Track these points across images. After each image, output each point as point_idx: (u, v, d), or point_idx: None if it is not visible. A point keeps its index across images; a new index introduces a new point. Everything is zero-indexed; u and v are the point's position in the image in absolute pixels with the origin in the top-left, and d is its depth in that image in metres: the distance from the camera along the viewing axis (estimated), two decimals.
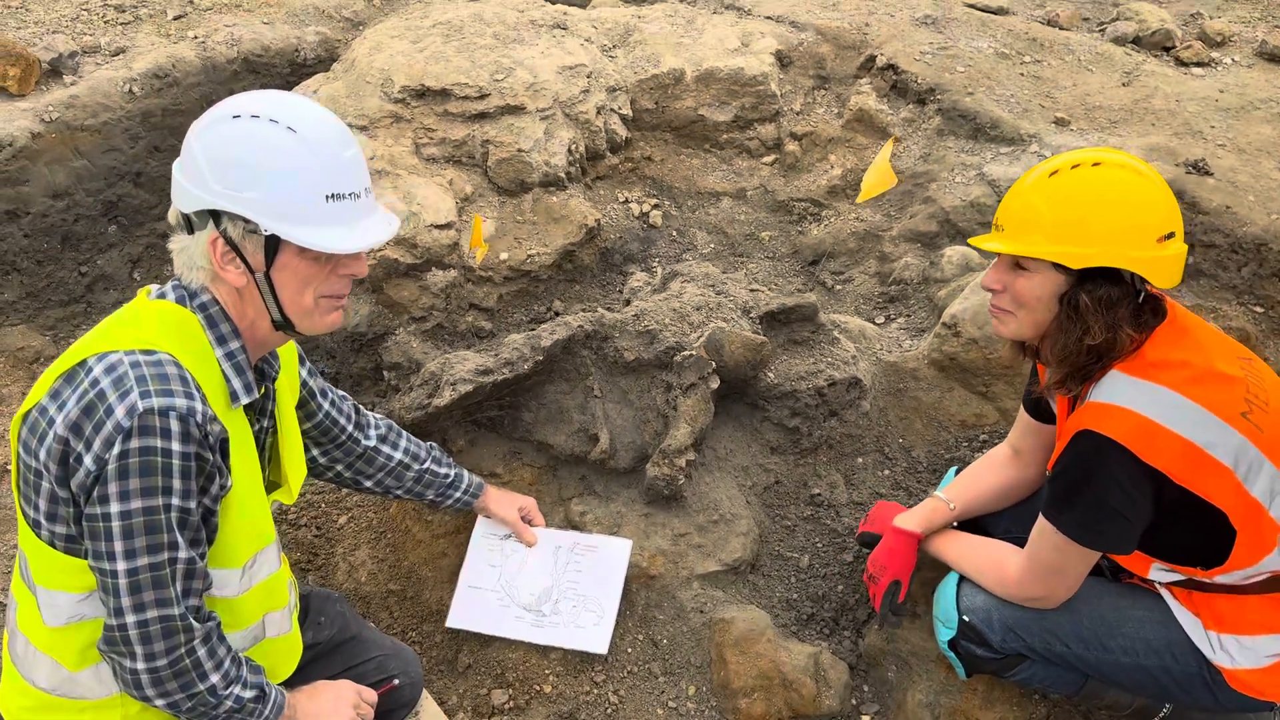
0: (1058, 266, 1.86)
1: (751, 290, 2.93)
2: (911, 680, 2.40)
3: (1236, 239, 3.05)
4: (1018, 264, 1.93)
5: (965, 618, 2.15)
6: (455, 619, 2.48)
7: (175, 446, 1.52)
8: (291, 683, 1.92)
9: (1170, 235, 1.85)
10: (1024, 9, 4.46)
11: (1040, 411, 2.24)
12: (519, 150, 3.26)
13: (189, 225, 1.64)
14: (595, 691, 2.41)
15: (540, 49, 3.61)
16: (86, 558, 1.57)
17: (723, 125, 3.73)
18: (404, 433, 2.31)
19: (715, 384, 2.63)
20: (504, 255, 3.15)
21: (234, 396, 1.67)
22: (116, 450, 1.48)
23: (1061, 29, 4.21)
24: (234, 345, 1.68)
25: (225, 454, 1.64)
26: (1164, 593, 2.04)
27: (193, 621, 1.60)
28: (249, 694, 1.70)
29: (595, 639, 2.42)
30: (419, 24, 3.76)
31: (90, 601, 1.62)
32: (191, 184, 1.61)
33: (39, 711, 1.70)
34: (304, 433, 2.10)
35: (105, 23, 3.95)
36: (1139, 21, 4.15)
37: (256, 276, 1.64)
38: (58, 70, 3.60)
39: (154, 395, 1.51)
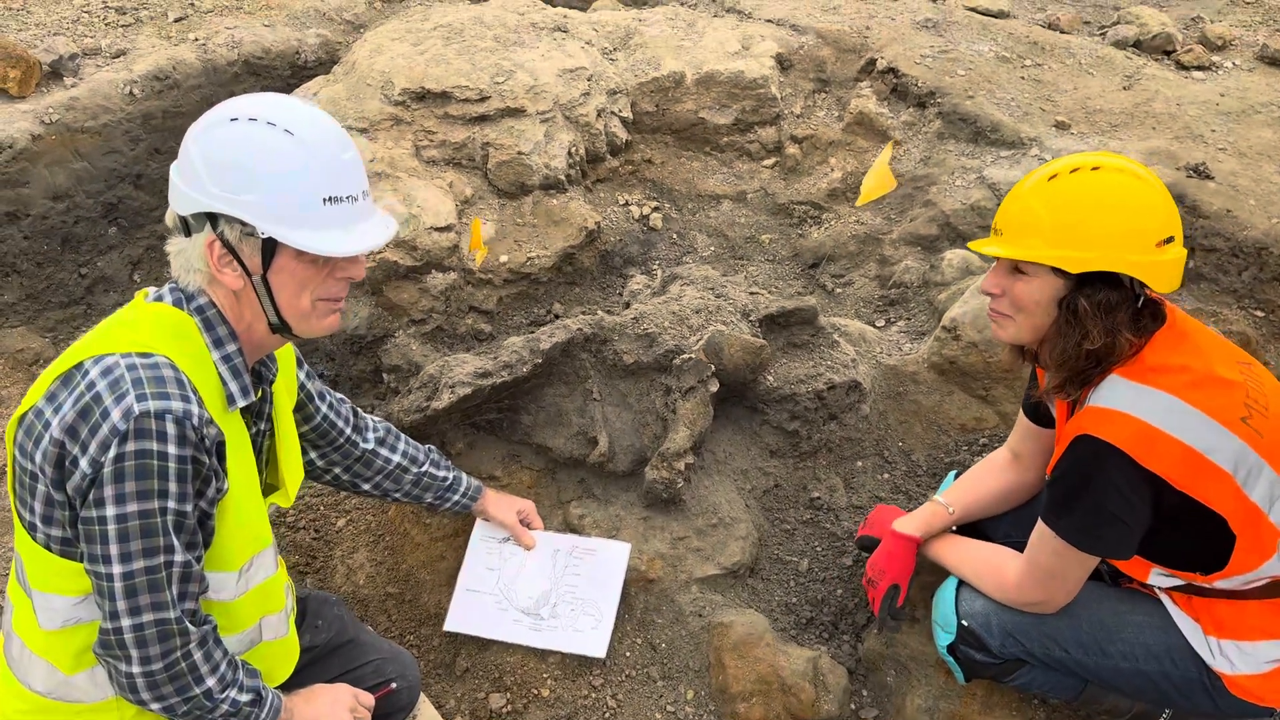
0: (1057, 271, 1.86)
1: (751, 293, 2.93)
2: (910, 685, 2.40)
3: (1237, 243, 3.04)
4: (1016, 268, 1.92)
5: (964, 622, 2.14)
6: (453, 622, 2.47)
7: (171, 450, 1.51)
8: (288, 686, 1.91)
9: (1169, 240, 1.85)
10: (1025, 12, 4.46)
11: (1040, 416, 2.23)
12: (519, 153, 3.26)
13: (186, 228, 1.64)
14: (593, 695, 2.41)
15: (541, 52, 3.61)
16: (82, 561, 1.56)
17: (723, 128, 3.73)
18: (402, 435, 2.31)
19: (714, 387, 2.63)
20: (504, 258, 3.15)
21: (231, 399, 1.67)
22: (112, 453, 1.48)
23: (1062, 32, 4.21)
24: (231, 348, 1.67)
25: (222, 457, 1.63)
26: (1164, 598, 2.03)
27: (188, 625, 1.59)
28: (245, 697, 1.70)
29: (593, 642, 2.41)
30: (420, 27, 3.76)
31: (86, 605, 1.62)
32: (189, 187, 1.61)
33: (34, 715, 1.69)
34: (302, 435, 2.09)
35: (106, 25, 3.96)
36: (1140, 25, 4.15)
37: (253, 279, 1.64)
38: (58, 72, 3.60)
39: (150, 398, 1.50)
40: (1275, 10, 4.50)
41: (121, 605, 1.54)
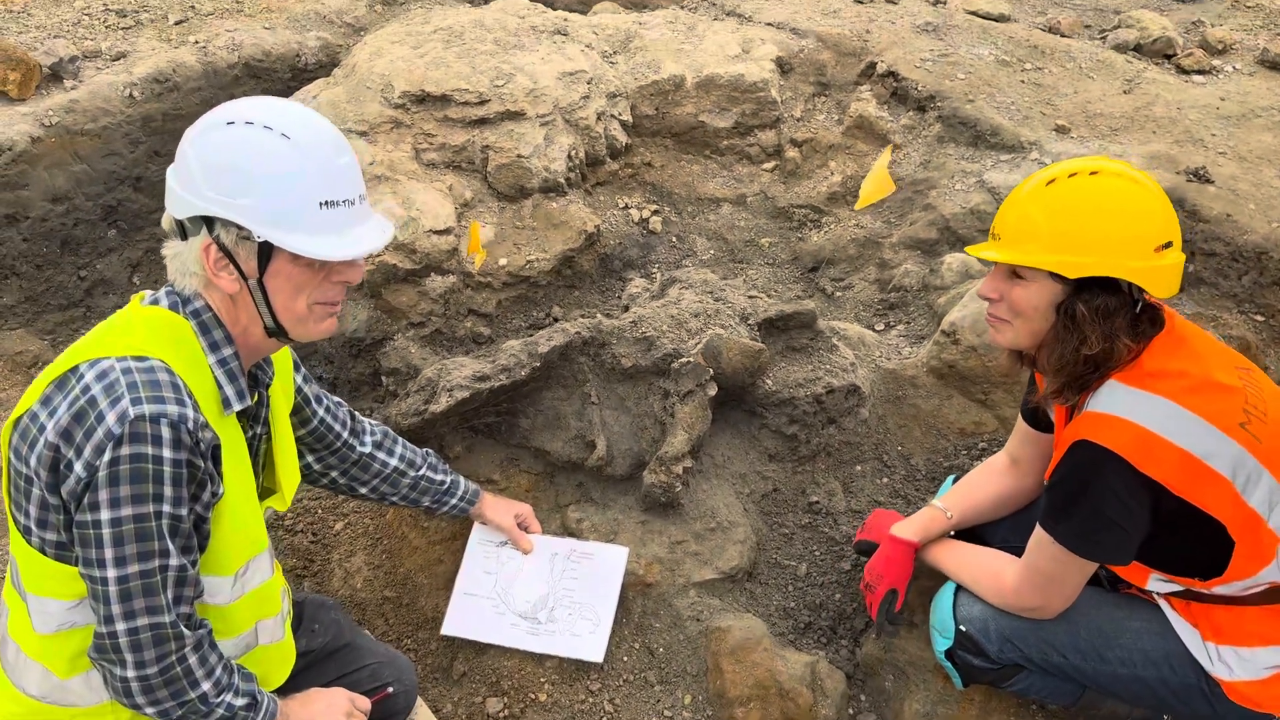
0: (1055, 276, 1.85)
1: (750, 297, 2.93)
2: (909, 690, 2.39)
3: (1237, 247, 3.04)
4: (1015, 273, 1.92)
5: (962, 628, 2.14)
6: (450, 626, 2.47)
7: (166, 453, 1.51)
8: (285, 690, 1.91)
9: (1168, 245, 1.84)
10: (1025, 16, 4.46)
11: (1038, 420, 2.23)
12: (519, 156, 3.26)
13: (183, 231, 1.64)
14: (591, 700, 2.40)
15: (541, 55, 3.61)
16: (77, 564, 1.56)
17: (723, 131, 3.73)
18: (400, 439, 2.31)
19: (713, 391, 2.62)
20: (503, 261, 3.15)
21: (226, 403, 1.67)
22: (107, 457, 1.48)
23: (1063, 36, 4.20)
24: (227, 352, 1.67)
25: (217, 461, 1.63)
26: (1162, 603, 2.03)
27: (183, 629, 1.59)
28: (240, 701, 1.70)
29: (591, 647, 2.41)
30: (420, 30, 3.76)
31: (81, 609, 1.62)
32: (185, 190, 1.61)
33: (29, 719, 1.69)
34: (299, 439, 2.09)
35: (106, 27, 3.96)
36: (1140, 29, 4.14)
37: (249, 283, 1.64)
38: (58, 75, 3.60)
39: (145, 402, 1.50)
40: (1276, 14, 4.50)
41: (116, 609, 1.53)
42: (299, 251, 1.60)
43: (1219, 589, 1.93)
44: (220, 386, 1.66)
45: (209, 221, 1.60)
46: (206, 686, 1.64)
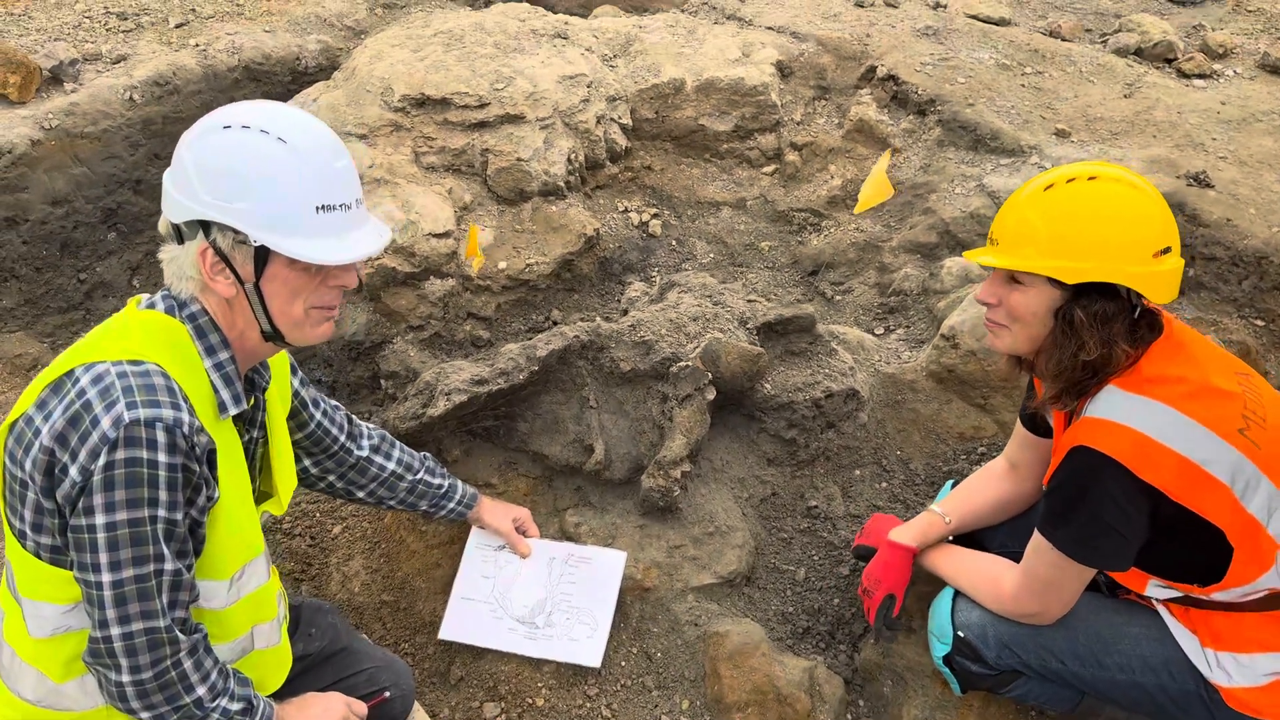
0: (1053, 281, 1.85)
1: (749, 301, 2.92)
2: (907, 696, 2.38)
3: (1237, 252, 3.03)
4: (1013, 278, 1.92)
5: (960, 633, 2.13)
6: (448, 631, 2.47)
7: (161, 458, 1.51)
8: (281, 695, 1.90)
9: (1167, 250, 1.84)
10: (1026, 20, 4.46)
11: (1037, 425, 2.22)
12: (518, 159, 3.26)
13: (179, 235, 1.64)
14: (588, 705, 2.40)
15: (541, 58, 3.61)
16: (72, 569, 1.56)
17: (723, 135, 3.73)
18: (397, 443, 2.31)
19: (711, 395, 2.62)
20: (502, 264, 3.14)
21: (222, 407, 1.66)
22: (102, 461, 1.48)
23: (1063, 40, 4.20)
24: (223, 356, 1.67)
25: (213, 465, 1.63)
26: (1161, 609, 2.02)
27: (178, 634, 1.59)
28: (236, 706, 1.69)
29: (588, 652, 2.40)
30: (420, 33, 3.76)
31: (76, 613, 1.61)
32: (181, 194, 1.61)
33: None
34: (296, 443, 2.09)
35: (107, 30, 3.96)
36: (1141, 33, 4.14)
37: (246, 287, 1.64)
38: (58, 77, 3.61)
39: (140, 406, 1.50)
40: (1277, 18, 4.49)
41: (111, 614, 1.53)
42: (296, 256, 1.59)
43: (1218, 595, 1.93)
44: (216, 390, 1.66)
45: (205, 226, 1.60)
46: (201, 691, 1.63)
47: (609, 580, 2.48)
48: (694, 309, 2.80)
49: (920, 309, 3.21)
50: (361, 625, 2.63)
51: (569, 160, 3.35)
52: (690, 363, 2.61)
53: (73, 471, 1.49)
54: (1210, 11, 4.61)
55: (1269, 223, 3.06)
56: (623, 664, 2.45)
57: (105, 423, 1.48)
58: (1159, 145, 3.41)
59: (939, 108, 3.58)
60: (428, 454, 2.38)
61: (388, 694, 2.12)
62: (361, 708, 1.97)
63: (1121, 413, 1.84)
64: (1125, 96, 3.72)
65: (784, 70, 3.87)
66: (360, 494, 2.26)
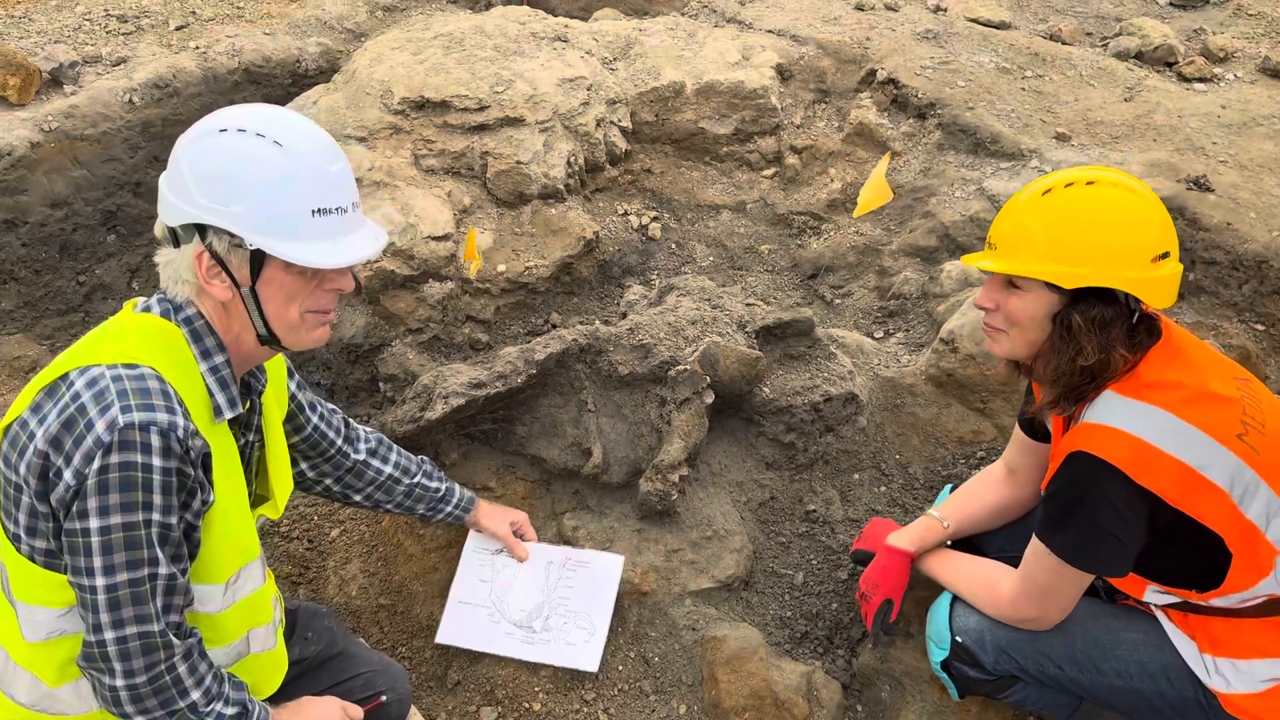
0: (1051, 286, 1.85)
1: (748, 304, 2.92)
2: (905, 701, 2.38)
3: (1237, 256, 3.02)
4: (1011, 283, 1.91)
5: (958, 638, 2.13)
6: (445, 635, 2.46)
7: (156, 462, 1.51)
8: (277, 699, 1.90)
9: (1165, 255, 1.83)
10: (1026, 24, 4.45)
11: (1035, 430, 2.22)
12: (518, 162, 3.25)
13: (175, 239, 1.64)
14: (585, 710, 2.39)
15: (540, 61, 3.61)
16: (66, 573, 1.55)
17: (723, 138, 3.73)
18: (394, 446, 2.30)
19: (710, 399, 2.61)
20: (501, 267, 3.14)
21: (218, 411, 1.66)
22: (96, 465, 1.47)
23: (1064, 44, 4.19)
24: (218, 359, 1.67)
25: (208, 469, 1.63)
26: (1159, 615, 2.02)
27: (173, 638, 1.58)
28: (231, 711, 1.69)
29: (586, 656, 2.39)
30: (420, 36, 3.76)
31: (70, 617, 1.61)
32: (177, 198, 1.61)
33: None
34: (292, 446, 2.08)
35: (107, 33, 3.97)
36: (1142, 37, 4.13)
37: (242, 291, 1.64)
38: (58, 80, 3.61)
39: (135, 410, 1.50)
40: (1278, 22, 4.49)
41: (105, 618, 1.53)
42: (291, 259, 1.59)
43: (1216, 601, 1.92)
44: (212, 394, 1.66)
45: (201, 229, 1.60)
46: (196, 695, 1.63)
47: (606, 584, 2.48)
48: (692, 312, 2.79)
49: (920, 313, 3.20)
50: (359, 629, 2.62)
51: (568, 163, 3.35)
52: (689, 366, 2.61)
53: (67, 475, 1.49)
54: (1211, 15, 4.61)
55: (1269, 227, 3.06)
56: (620, 668, 2.45)
57: (100, 426, 1.48)
58: (1159, 149, 3.41)
59: (939, 111, 3.57)
60: (425, 457, 2.38)
61: (384, 698, 2.12)
62: (358, 712, 1.97)
63: (1120, 418, 1.83)
64: (1126, 100, 3.72)
65: (784, 73, 3.87)
66: (357, 497, 2.26)
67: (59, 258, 3.51)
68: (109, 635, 1.53)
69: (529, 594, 2.47)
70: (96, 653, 1.55)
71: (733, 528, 2.64)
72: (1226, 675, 1.93)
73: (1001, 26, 4.24)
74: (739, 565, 2.58)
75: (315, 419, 2.10)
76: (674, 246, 3.57)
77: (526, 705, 2.39)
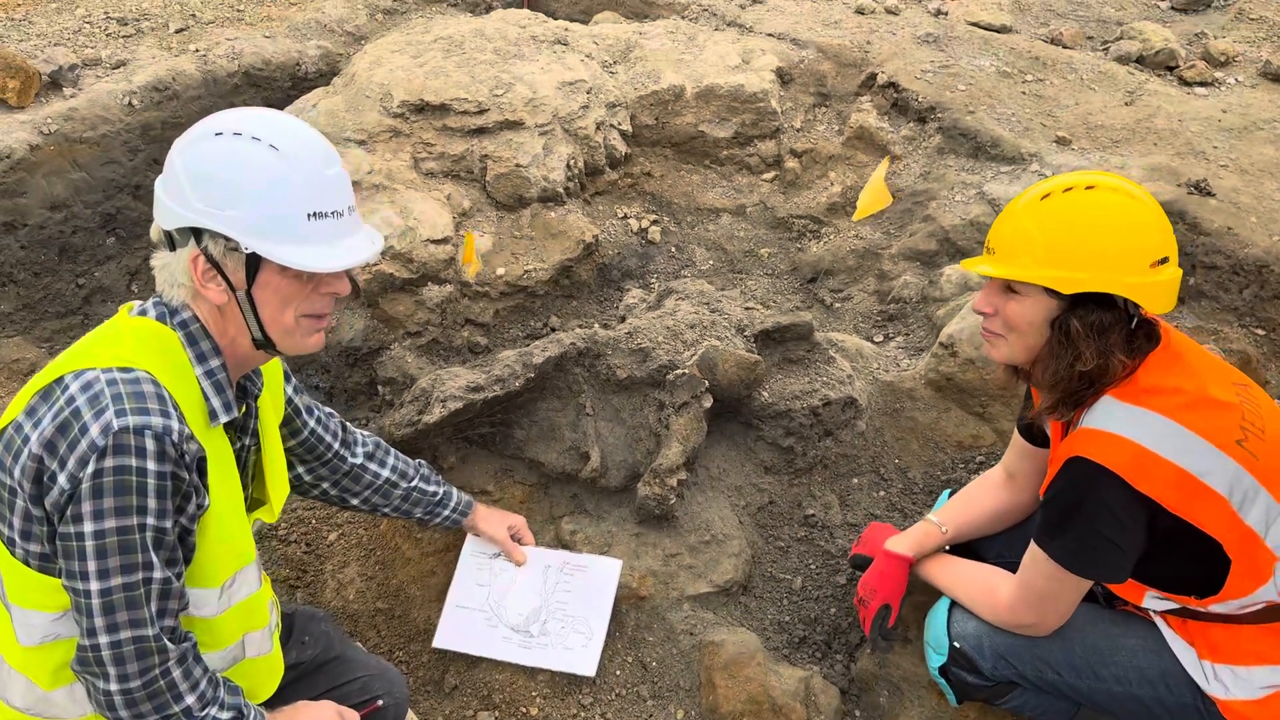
0: (1049, 291, 1.84)
1: (746, 308, 2.92)
2: (903, 706, 2.37)
3: (1238, 260, 3.02)
4: (1009, 287, 1.91)
5: (956, 644, 2.12)
6: (442, 639, 2.45)
7: (150, 465, 1.50)
8: (274, 703, 1.90)
9: (1164, 260, 1.83)
10: (1027, 28, 4.45)
11: (1034, 435, 2.21)
12: (517, 165, 3.25)
13: (171, 242, 1.64)
14: (583, 715, 2.38)
15: (540, 64, 3.61)
16: (60, 577, 1.55)
17: (723, 142, 3.72)
18: (392, 450, 2.30)
19: (708, 403, 2.61)
20: (501, 271, 3.14)
21: (213, 415, 1.66)
22: (90, 469, 1.47)
23: (1065, 47, 4.19)
24: (214, 363, 1.66)
25: (203, 473, 1.62)
26: (1158, 621, 2.01)
27: (167, 642, 1.58)
28: (226, 715, 1.68)
29: (583, 661, 2.39)
30: (420, 39, 3.76)
31: (65, 621, 1.60)
32: (173, 201, 1.60)
33: None
34: (289, 450, 2.08)
35: (107, 36, 3.97)
36: (1143, 41, 4.13)
37: (237, 294, 1.63)
38: (57, 82, 3.61)
39: (129, 414, 1.49)
40: (1279, 27, 4.48)
41: (99, 622, 1.52)
42: (287, 263, 1.59)
43: (1215, 607, 1.91)
44: (207, 398, 1.65)
45: (197, 233, 1.60)
46: (190, 700, 1.62)
47: (604, 588, 2.47)
48: (691, 316, 2.79)
49: (920, 316, 3.20)
50: (356, 633, 2.62)
51: (568, 166, 3.35)
52: (687, 370, 2.60)
53: (61, 479, 1.48)
54: (1212, 19, 4.61)
55: (1270, 231, 3.05)
56: (618, 673, 2.44)
57: (94, 430, 1.48)
58: (1160, 153, 3.40)
59: (939, 115, 3.57)
60: (423, 461, 2.37)
61: (381, 703, 2.11)
62: (354, 716, 1.96)
63: (1118, 424, 1.82)
64: (1126, 104, 3.71)
65: (784, 77, 3.87)
66: (354, 501, 2.25)
67: (58, 260, 3.51)
68: (103, 639, 1.53)
69: (527, 598, 2.46)
70: (91, 657, 1.54)
71: (731, 532, 2.63)
72: (1225, 682, 1.92)
73: (1002, 30, 4.24)
74: (737, 570, 2.57)
75: (312, 423, 2.10)
76: (674, 250, 3.57)
77: (524, 710, 2.39)
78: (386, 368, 3.00)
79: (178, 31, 4.04)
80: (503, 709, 2.40)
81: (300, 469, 2.15)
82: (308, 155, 1.62)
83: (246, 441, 1.85)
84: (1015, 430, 2.29)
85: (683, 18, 4.29)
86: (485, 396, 2.60)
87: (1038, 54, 3.99)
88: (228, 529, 1.70)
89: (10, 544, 1.58)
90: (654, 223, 3.59)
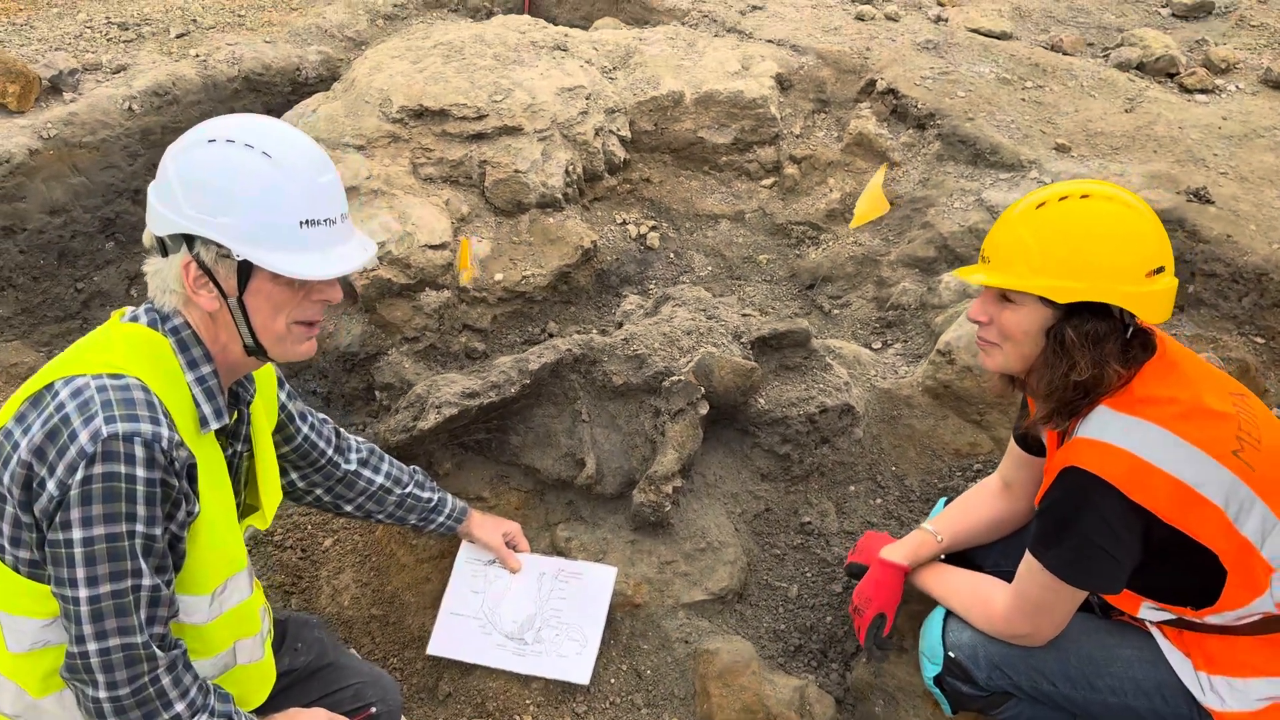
0: (1044, 300, 1.83)
1: (743, 315, 2.91)
2: (898, 716, 2.36)
3: (1237, 268, 3.01)
4: (1004, 296, 1.90)
5: (951, 654, 2.11)
6: (436, 646, 2.45)
7: (140, 472, 1.50)
8: (266, 710, 1.89)
9: (1160, 270, 1.82)
10: (1027, 34, 4.44)
11: (1030, 444, 2.20)
12: (516, 171, 3.25)
13: (163, 248, 1.64)
14: None
15: (540, 70, 3.61)
16: (50, 583, 1.55)
17: (722, 148, 3.72)
18: (386, 456, 2.29)
19: (704, 410, 2.60)
20: (499, 276, 3.14)
21: (204, 422, 1.65)
22: (79, 476, 1.47)
23: (1065, 54, 4.18)
24: (205, 370, 1.66)
25: (193, 480, 1.62)
26: (1154, 631, 2.00)
27: (156, 650, 1.57)
28: None
29: (577, 669, 2.38)
30: (420, 44, 3.77)
31: (54, 627, 1.60)
32: (165, 207, 1.60)
33: None
34: (283, 456, 2.08)
35: (108, 40, 3.97)
36: (1143, 47, 4.12)
37: (229, 301, 1.63)
38: (58, 87, 3.61)
39: (119, 420, 1.49)
40: None
41: (88, 629, 1.52)
42: (279, 271, 1.59)
43: (1212, 618, 1.90)
44: (198, 405, 1.65)
45: (189, 239, 1.60)
46: (180, 708, 1.62)
47: (599, 596, 2.46)
48: (688, 323, 2.78)
49: (918, 323, 3.19)
50: (350, 639, 2.61)
51: (567, 172, 3.35)
52: (683, 377, 2.60)
53: (50, 486, 1.48)
54: (1213, 26, 4.60)
55: (1269, 239, 3.04)
56: (612, 681, 2.43)
57: (83, 437, 1.47)
58: (1160, 160, 3.40)
59: (939, 122, 3.56)
60: (417, 467, 2.37)
61: (374, 710, 2.10)
62: None
63: (1113, 433, 1.82)
64: (1126, 111, 3.70)
65: (783, 83, 3.87)
66: (348, 508, 2.25)
67: (57, 264, 3.52)
68: (92, 647, 1.52)
69: (521, 605, 2.46)
70: (80, 664, 1.54)
71: (727, 539, 2.62)
72: (1221, 693, 1.91)
73: (1002, 37, 4.23)
74: (733, 577, 2.57)
75: (305, 429, 2.10)
76: (672, 256, 3.57)
77: (517, 717, 2.38)
78: (384, 373, 3.00)
79: (178, 36, 4.05)
80: (496, 717, 2.39)
81: (294, 475, 2.15)
82: (300, 163, 1.62)
83: (239, 448, 1.85)
84: (1012, 439, 2.28)
85: (683, 24, 4.29)
86: (481, 403, 2.60)
87: (1038, 61, 3.98)
88: (219, 536, 1.70)
89: (0, 551, 1.57)
90: (652, 229, 3.59)
